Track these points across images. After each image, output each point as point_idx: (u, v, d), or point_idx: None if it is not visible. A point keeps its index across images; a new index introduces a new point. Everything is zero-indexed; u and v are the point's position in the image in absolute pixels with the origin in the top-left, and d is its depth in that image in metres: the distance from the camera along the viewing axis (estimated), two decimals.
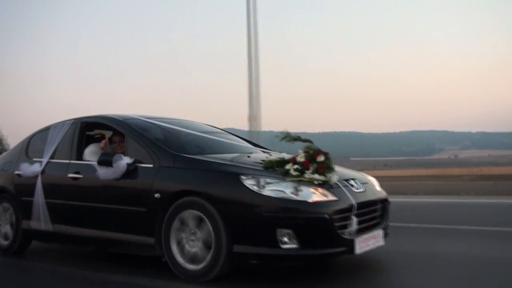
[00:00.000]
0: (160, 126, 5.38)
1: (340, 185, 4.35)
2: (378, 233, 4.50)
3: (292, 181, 4.20)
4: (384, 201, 4.74)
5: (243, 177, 4.19)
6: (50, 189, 5.52)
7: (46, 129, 6.05)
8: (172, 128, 5.37)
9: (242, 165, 4.47)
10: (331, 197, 4.17)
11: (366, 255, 4.55)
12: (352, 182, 4.53)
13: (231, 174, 4.28)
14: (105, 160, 4.86)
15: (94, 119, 5.75)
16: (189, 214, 4.34)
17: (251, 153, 5.33)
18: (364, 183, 4.71)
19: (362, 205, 4.36)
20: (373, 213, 4.55)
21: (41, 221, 5.55)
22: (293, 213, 4.02)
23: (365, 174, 5.06)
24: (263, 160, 4.59)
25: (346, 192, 4.32)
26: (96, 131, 6.08)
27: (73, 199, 5.26)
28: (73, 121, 5.77)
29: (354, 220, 4.24)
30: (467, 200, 10.97)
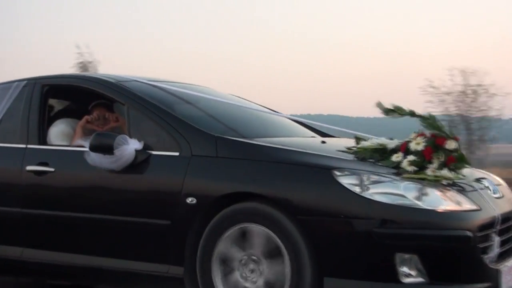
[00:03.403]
0: (178, 93, 3.69)
1: (476, 187, 2.96)
2: None
3: (411, 179, 2.80)
4: None
5: (337, 172, 2.77)
6: None
7: None
8: (198, 97, 3.73)
9: (330, 155, 3.00)
10: (468, 205, 2.80)
11: None
12: (486, 182, 3.14)
13: (317, 169, 2.83)
14: (103, 145, 3.16)
15: (64, 81, 3.90)
16: (246, 230, 2.87)
17: (314, 137, 3.93)
18: (498, 185, 3.34)
19: (504, 218, 2.99)
20: (510, 230, 3.17)
21: None
22: (421, 230, 2.68)
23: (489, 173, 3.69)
24: (349, 148, 3.12)
25: (486, 198, 2.94)
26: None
27: (36, 206, 3.47)
28: (25, 82, 3.79)
29: (496, 240, 2.87)
30: None
